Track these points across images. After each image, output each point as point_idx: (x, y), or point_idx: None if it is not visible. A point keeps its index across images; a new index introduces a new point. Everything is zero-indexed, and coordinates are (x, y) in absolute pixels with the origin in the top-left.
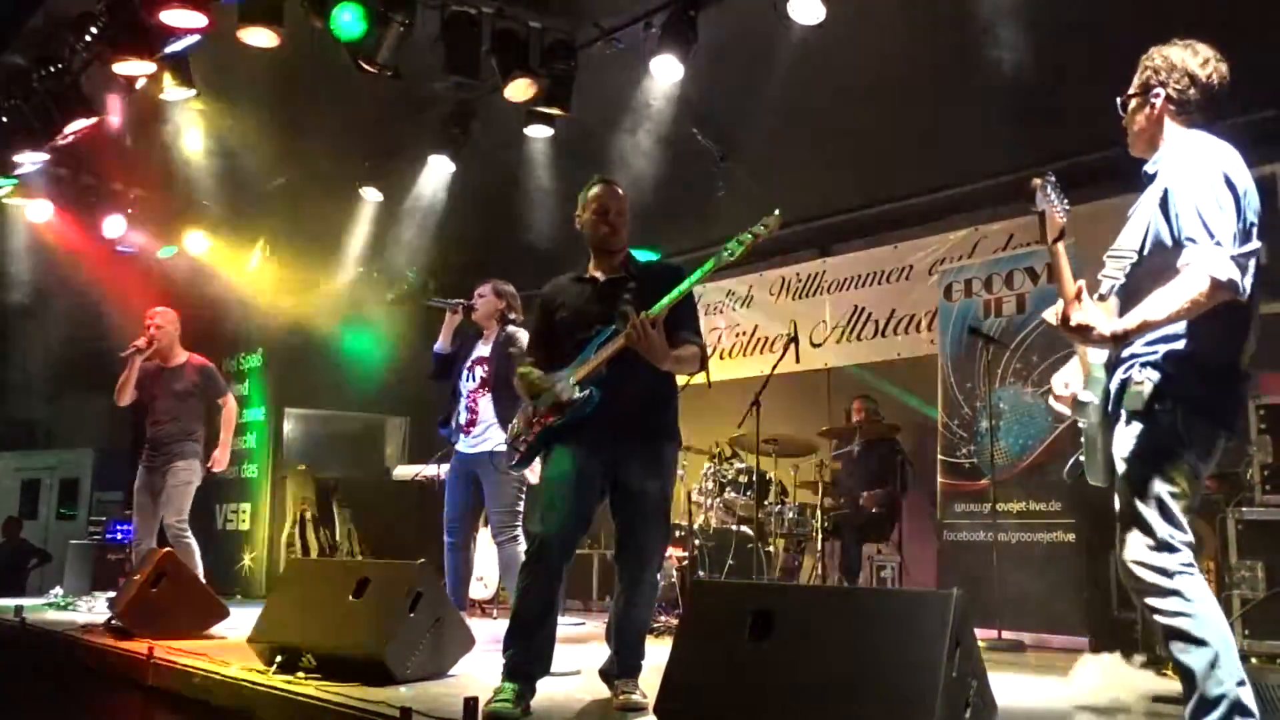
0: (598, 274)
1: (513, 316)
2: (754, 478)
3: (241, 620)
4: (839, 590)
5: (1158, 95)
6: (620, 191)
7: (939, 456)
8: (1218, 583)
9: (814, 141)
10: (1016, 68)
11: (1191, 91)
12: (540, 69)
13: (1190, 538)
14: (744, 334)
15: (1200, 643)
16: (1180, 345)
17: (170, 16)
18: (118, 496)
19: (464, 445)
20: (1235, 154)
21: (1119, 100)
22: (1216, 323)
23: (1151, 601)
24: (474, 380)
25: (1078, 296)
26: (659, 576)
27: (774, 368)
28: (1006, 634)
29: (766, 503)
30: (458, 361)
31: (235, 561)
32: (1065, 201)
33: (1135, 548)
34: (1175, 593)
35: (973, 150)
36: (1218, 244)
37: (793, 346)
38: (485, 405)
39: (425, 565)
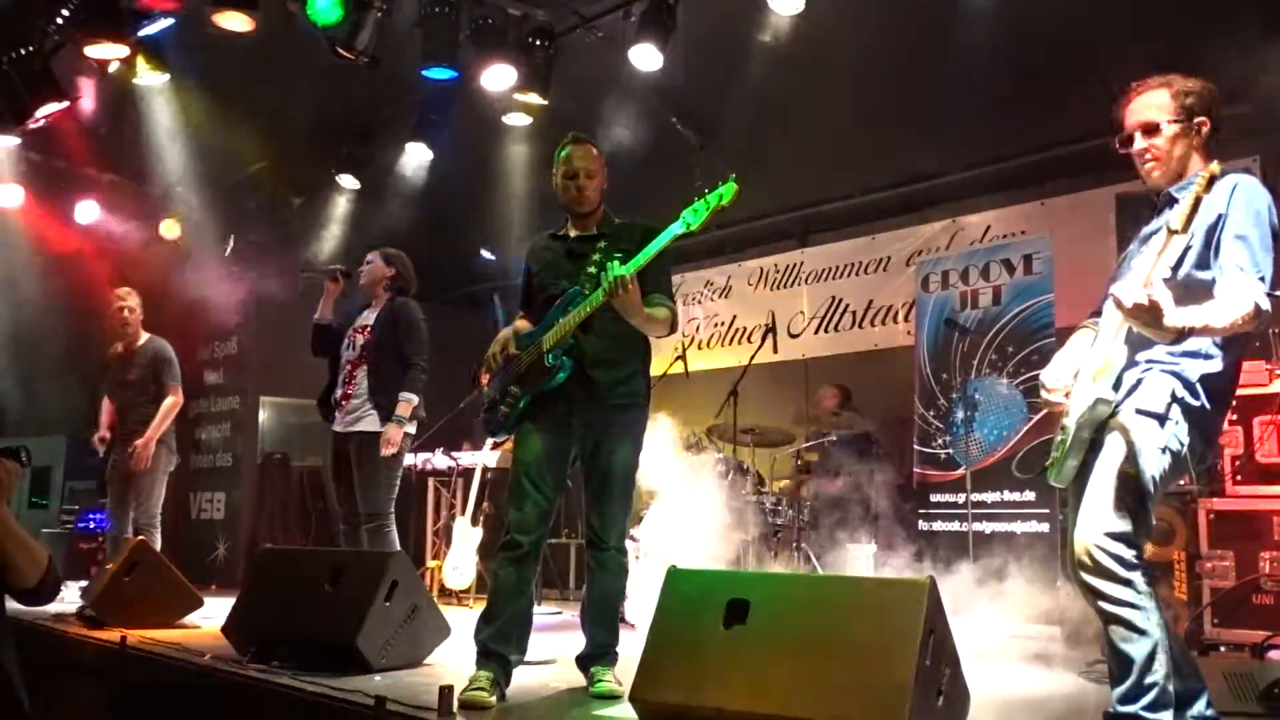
0: (571, 232)
1: (403, 285)
2: (731, 468)
3: (215, 609)
4: (813, 578)
5: (1204, 124)
6: (594, 151)
7: (915, 447)
8: (1188, 572)
9: (792, 131)
10: (995, 59)
11: (1217, 124)
12: (519, 56)
13: (1149, 534)
14: (722, 324)
15: (1143, 633)
16: (1199, 364)
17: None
18: (90, 485)
19: (337, 423)
20: None
21: (1143, 127)
22: (1231, 351)
23: (1102, 585)
24: (354, 350)
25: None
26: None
27: (751, 358)
28: (980, 624)
29: (743, 493)
30: (342, 334)
31: (210, 551)
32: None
33: (1100, 531)
34: (1129, 583)
35: (951, 142)
36: (1261, 278)
37: (770, 337)
38: (361, 378)
39: (401, 554)
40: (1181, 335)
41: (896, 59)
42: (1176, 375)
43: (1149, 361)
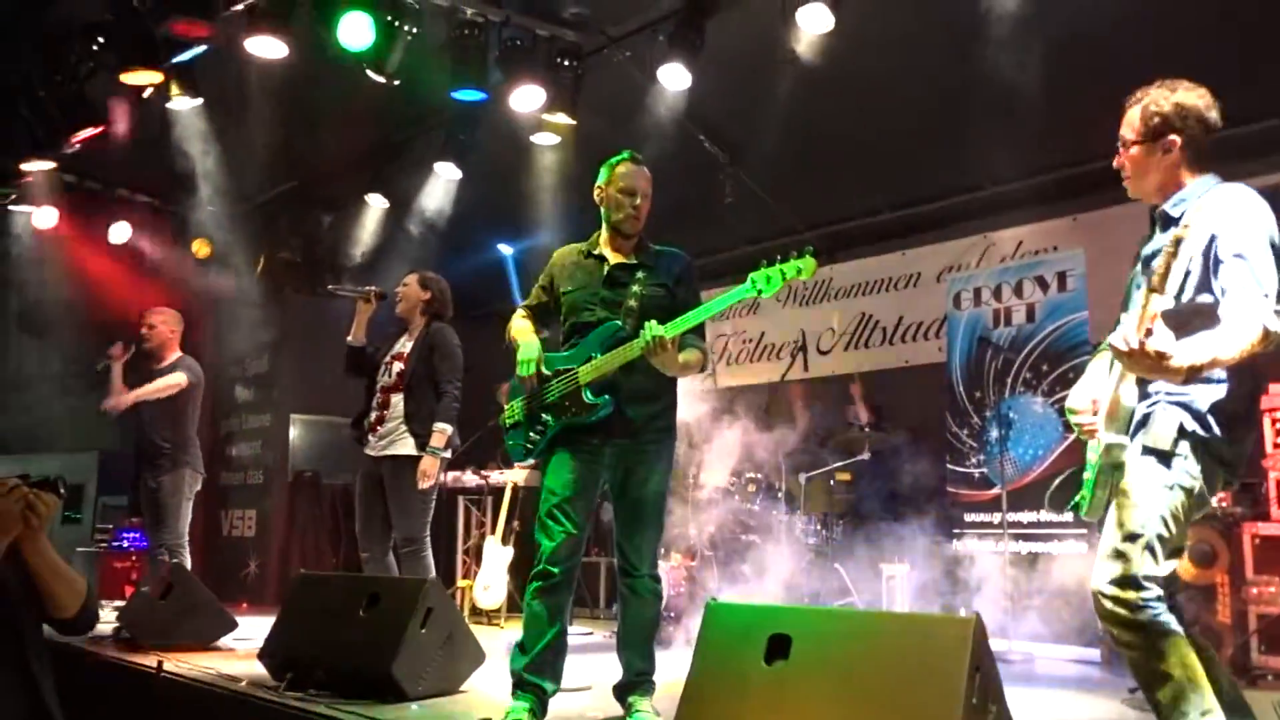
0: (608, 253)
1: (439, 310)
2: (763, 487)
3: (248, 629)
4: (856, 613)
5: (1173, 142)
6: (648, 174)
7: (948, 466)
8: (1232, 597)
9: (821, 148)
10: (1025, 74)
11: (1204, 136)
12: (547, 77)
13: (1163, 573)
14: (750, 341)
15: (1166, 677)
16: (1208, 390)
17: (177, 27)
18: (122, 501)
19: (370, 447)
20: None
21: (1120, 141)
22: (1241, 373)
23: (1118, 634)
24: (389, 376)
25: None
26: (663, 586)
27: (782, 377)
28: (1017, 646)
29: (775, 513)
30: (378, 357)
31: (241, 568)
32: None
33: (1105, 579)
34: (1141, 628)
35: (981, 157)
36: (1265, 296)
37: (801, 355)
38: (397, 403)
39: (435, 581)
40: (1191, 375)
41: (926, 74)
42: (1185, 406)
43: (1156, 393)
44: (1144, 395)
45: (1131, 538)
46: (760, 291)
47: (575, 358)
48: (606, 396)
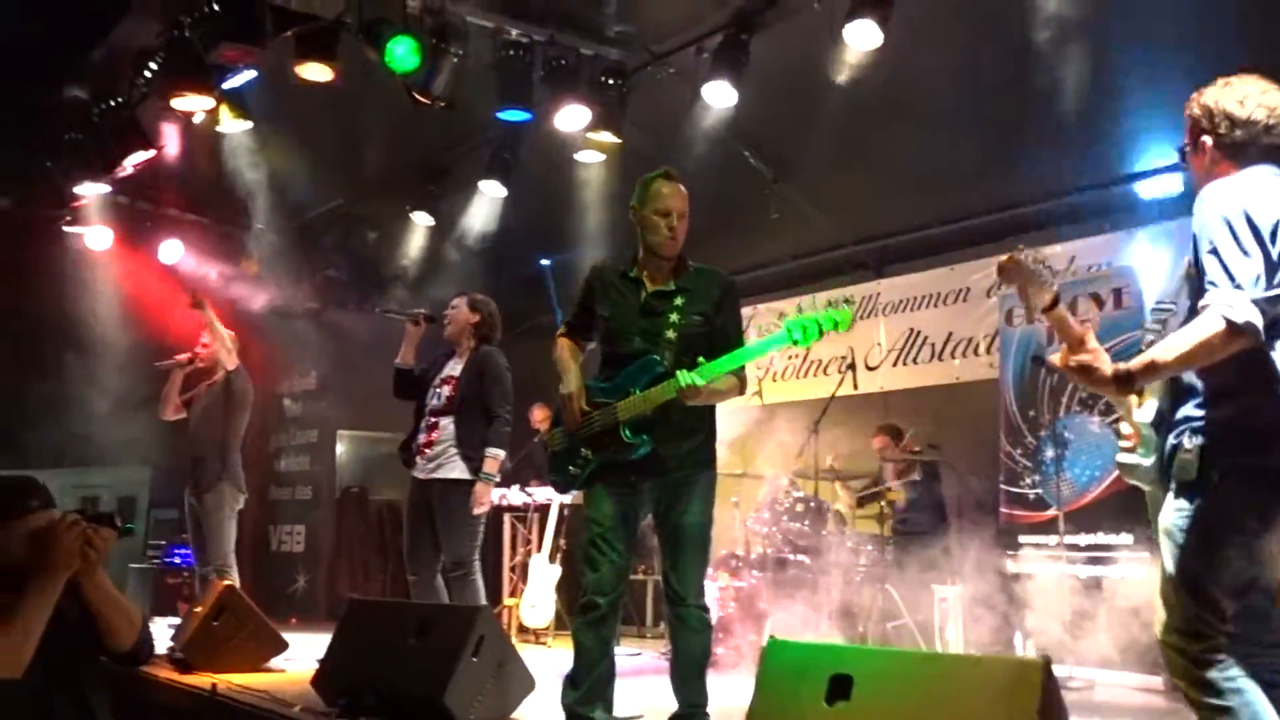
0: (645, 278)
1: (488, 333)
2: (811, 506)
3: (298, 648)
4: (920, 654)
5: (1205, 144)
6: (684, 192)
7: (1001, 486)
8: None
9: (868, 162)
10: (1077, 88)
11: (1237, 132)
12: (592, 95)
13: (1224, 615)
14: (797, 356)
15: None
16: (1233, 409)
17: (227, 54)
18: (173, 515)
19: (419, 470)
20: (1266, 188)
21: (1178, 151)
22: (1251, 381)
23: (1184, 687)
24: (439, 399)
25: (1082, 340)
26: (713, 612)
27: (833, 395)
28: (1077, 672)
29: (825, 532)
30: (427, 379)
31: (289, 584)
32: (1047, 266)
33: (1167, 630)
34: (1206, 685)
35: (1031, 170)
36: (1237, 287)
37: (850, 373)
38: (446, 426)
39: (486, 609)
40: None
41: (974, 88)
42: (1206, 432)
43: (1184, 419)
44: (1170, 426)
45: (1180, 581)
46: (796, 341)
47: (614, 391)
48: (645, 436)
